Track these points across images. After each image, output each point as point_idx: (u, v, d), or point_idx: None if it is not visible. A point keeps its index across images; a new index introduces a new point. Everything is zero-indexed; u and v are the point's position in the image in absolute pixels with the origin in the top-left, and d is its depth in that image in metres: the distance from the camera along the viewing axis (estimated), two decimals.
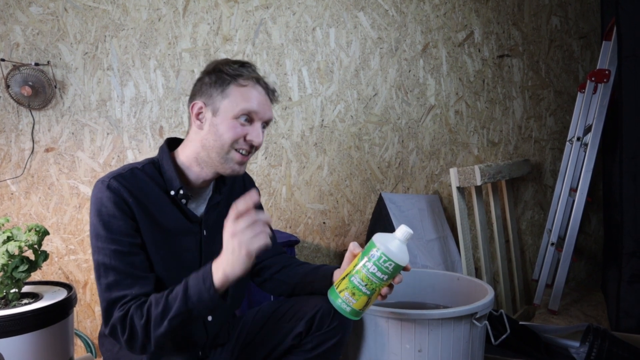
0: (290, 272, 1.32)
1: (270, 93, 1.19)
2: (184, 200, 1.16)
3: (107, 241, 1.05)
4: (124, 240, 1.06)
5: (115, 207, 1.06)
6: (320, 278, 1.25)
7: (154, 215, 1.11)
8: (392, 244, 1.02)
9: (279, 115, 2.20)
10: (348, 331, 1.23)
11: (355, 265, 1.04)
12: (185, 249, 1.17)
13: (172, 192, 1.14)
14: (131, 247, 1.07)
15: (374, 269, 1.01)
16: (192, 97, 1.18)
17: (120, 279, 1.04)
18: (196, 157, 1.16)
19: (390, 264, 1.00)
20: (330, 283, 1.20)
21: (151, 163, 1.17)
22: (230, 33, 2.13)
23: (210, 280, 0.98)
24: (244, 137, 1.13)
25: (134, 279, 1.05)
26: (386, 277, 1.01)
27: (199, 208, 1.22)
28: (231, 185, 1.30)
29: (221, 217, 1.25)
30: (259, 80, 1.16)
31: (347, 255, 1.14)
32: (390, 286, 1.07)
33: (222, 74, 1.14)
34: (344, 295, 1.03)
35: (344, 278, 1.05)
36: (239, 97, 1.12)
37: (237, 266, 0.97)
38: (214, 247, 1.23)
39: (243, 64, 1.17)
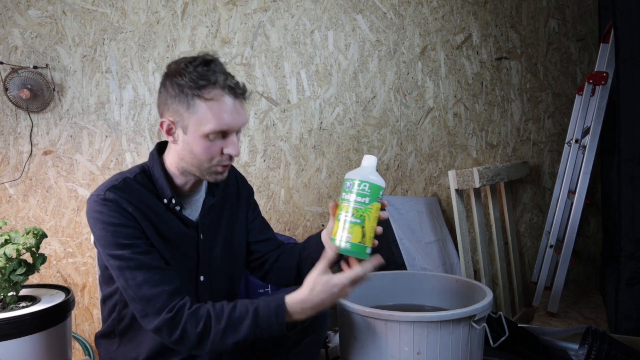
0: (287, 257, 1.32)
1: (240, 96, 1.10)
2: (177, 207, 1.16)
3: (121, 247, 1.05)
4: (137, 242, 1.06)
5: (119, 215, 1.06)
6: (314, 246, 1.25)
7: (153, 222, 1.11)
8: (360, 170, 1.07)
9: (278, 118, 2.20)
10: (325, 326, 1.24)
11: (338, 206, 1.08)
12: (182, 253, 1.17)
13: (165, 201, 1.14)
14: (145, 246, 1.07)
15: (353, 197, 1.05)
16: (160, 110, 1.12)
17: (149, 275, 1.04)
18: (177, 167, 1.15)
19: (365, 185, 1.04)
20: (321, 246, 1.21)
21: (142, 171, 1.16)
22: (229, 36, 2.13)
23: (282, 316, 1.03)
24: (221, 152, 1.10)
25: (161, 274, 1.06)
26: (367, 199, 1.04)
27: (193, 212, 1.22)
28: (224, 186, 1.29)
29: (217, 219, 1.25)
30: (225, 88, 1.06)
31: (331, 211, 1.14)
32: (382, 209, 1.09)
33: (183, 88, 1.05)
34: (339, 236, 1.05)
35: (335, 224, 1.08)
36: (208, 114, 1.05)
37: (319, 310, 1.05)
38: (212, 251, 1.23)
39: (202, 66, 1.06)
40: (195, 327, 1.02)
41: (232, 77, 1.09)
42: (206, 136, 1.07)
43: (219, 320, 1.03)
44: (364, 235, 1.05)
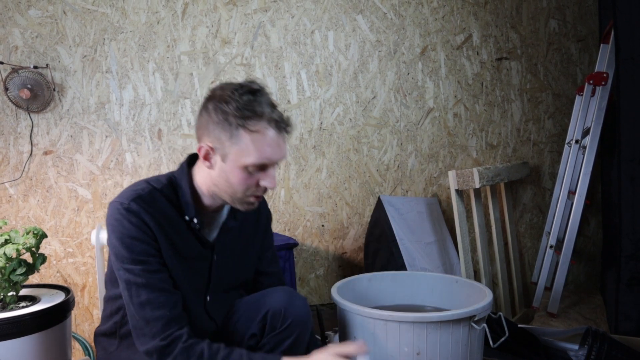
0: None
1: (284, 129, 1.08)
2: (198, 226, 1.14)
3: (133, 262, 1.04)
4: (150, 260, 1.06)
5: (137, 229, 1.04)
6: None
7: (171, 239, 1.10)
8: None
9: None
10: (307, 327, 1.20)
11: None
12: (195, 272, 1.16)
13: (187, 218, 1.13)
14: (157, 264, 1.07)
15: None
16: (198, 133, 1.10)
17: (153, 296, 1.04)
18: (208, 189, 1.13)
19: None
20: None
21: (170, 184, 1.14)
22: (229, 36, 2.13)
23: None
24: (257, 183, 1.09)
25: (166, 296, 1.05)
26: None
27: (211, 232, 1.21)
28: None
29: (233, 241, 1.25)
30: (271, 121, 1.05)
31: None
32: None
33: (227, 116, 1.03)
34: None
35: None
36: (251, 147, 1.04)
37: None
38: (223, 271, 1.22)
39: (249, 95, 1.04)
40: None
41: (277, 109, 1.08)
42: (245, 168, 1.06)
43: None
44: None
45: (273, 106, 1.07)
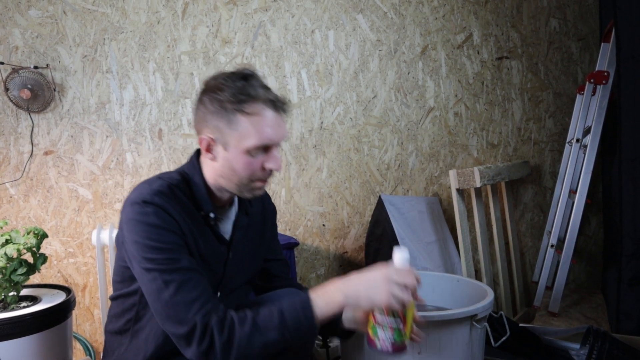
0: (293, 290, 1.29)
1: (281, 109, 1.08)
2: (215, 222, 1.14)
3: (160, 251, 1.01)
4: (178, 246, 1.03)
5: (164, 220, 1.02)
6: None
7: (193, 235, 1.09)
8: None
9: None
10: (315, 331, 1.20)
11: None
12: (209, 269, 1.15)
13: (204, 213, 1.12)
14: (185, 248, 1.05)
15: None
16: (197, 127, 1.10)
17: (184, 278, 1.00)
18: (215, 182, 1.12)
19: None
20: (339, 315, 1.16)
21: (183, 180, 1.12)
22: (230, 36, 2.13)
23: (310, 310, 0.98)
24: (262, 167, 1.08)
25: (197, 279, 1.02)
26: None
27: (225, 228, 1.20)
28: (251, 205, 1.28)
29: (244, 238, 1.24)
30: (267, 101, 1.05)
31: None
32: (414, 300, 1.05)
33: (223, 103, 1.04)
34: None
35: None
36: (250, 129, 1.03)
37: (365, 301, 0.99)
38: (236, 268, 1.22)
39: (242, 81, 1.04)
40: (220, 335, 0.97)
41: (271, 90, 1.08)
42: (248, 152, 1.05)
43: (243, 324, 0.98)
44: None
45: (267, 88, 1.07)
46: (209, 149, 1.09)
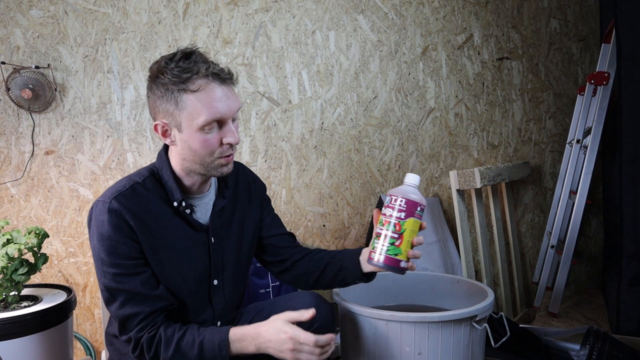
0: (313, 259, 1.30)
1: (228, 81, 1.07)
2: (188, 211, 1.14)
3: (112, 265, 1.05)
4: (128, 263, 1.06)
5: (117, 230, 1.05)
6: (348, 257, 1.25)
7: (158, 233, 1.10)
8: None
9: (279, 118, 2.20)
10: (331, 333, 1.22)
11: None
12: (195, 260, 1.16)
13: (175, 204, 1.12)
14: (135, 267, 1.07)
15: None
16: (152, 114, 1.11)
17: (130, 296, 1.06)
18: (182, 166, 1.12)
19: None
20: (357, 258, 1.22)
21: (151, 175, 1.14)
22: (230, 36, 2.13)
23: (226, 350, 1.05)
24: (220, 142, 1.07)
25: (142, 297, 1.07)
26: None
27: (203, 215, 1.20)
28: (234, 187, 1.27)
29: (228, 222, 1.24)
30: (210, 75, 1.03)
31: (374, 218, 1.17)
32: (419, 228, 1.11)
33: (167, 86, 1.03)
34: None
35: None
36: (198, 106, 1.03)
37: (275, 355, 1.05)
38: (223, 253, 1.22)
39: (183, 60, 1.03)
40: (149, 352, 1.05)
41: (215, 64, 1.06)
42: (201, 129, 1.04)
43: (168, 345, 1.05)
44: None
45: (209, 62, 1.05)
46: (165, 134, 1.09)
